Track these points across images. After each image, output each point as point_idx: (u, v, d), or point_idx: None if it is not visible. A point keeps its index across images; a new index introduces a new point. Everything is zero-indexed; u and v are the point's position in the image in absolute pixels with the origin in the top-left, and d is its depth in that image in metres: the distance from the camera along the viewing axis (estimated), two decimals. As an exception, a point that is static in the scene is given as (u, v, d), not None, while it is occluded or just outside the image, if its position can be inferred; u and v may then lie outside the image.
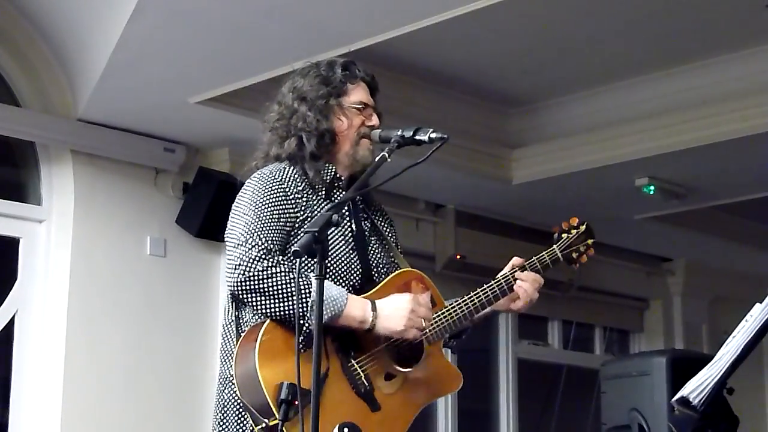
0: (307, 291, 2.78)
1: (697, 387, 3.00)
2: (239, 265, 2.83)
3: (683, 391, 3.03)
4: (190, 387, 6.03)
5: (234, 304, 3.00)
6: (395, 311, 2.89)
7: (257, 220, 2.90)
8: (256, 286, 2.81)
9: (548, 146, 6.75)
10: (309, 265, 2.86)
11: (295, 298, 2.78)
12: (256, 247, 2.84)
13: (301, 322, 2.74)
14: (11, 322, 5.59)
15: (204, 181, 6.06)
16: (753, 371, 8.87)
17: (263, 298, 2.81)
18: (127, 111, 5.70)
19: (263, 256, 2.83)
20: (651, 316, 8.87)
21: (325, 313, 2.78)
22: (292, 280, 2.80)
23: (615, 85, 6.40)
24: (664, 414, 4.86)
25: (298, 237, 2.88)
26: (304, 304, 2.77)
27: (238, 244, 2.86)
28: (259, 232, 2.88)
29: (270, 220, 2.91)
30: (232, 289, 2.85)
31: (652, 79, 6.29)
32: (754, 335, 3.01)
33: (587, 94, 6.52)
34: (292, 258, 2.83)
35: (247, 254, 2.83)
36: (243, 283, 2.82)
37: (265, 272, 2.81)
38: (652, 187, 6.84)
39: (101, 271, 5.80)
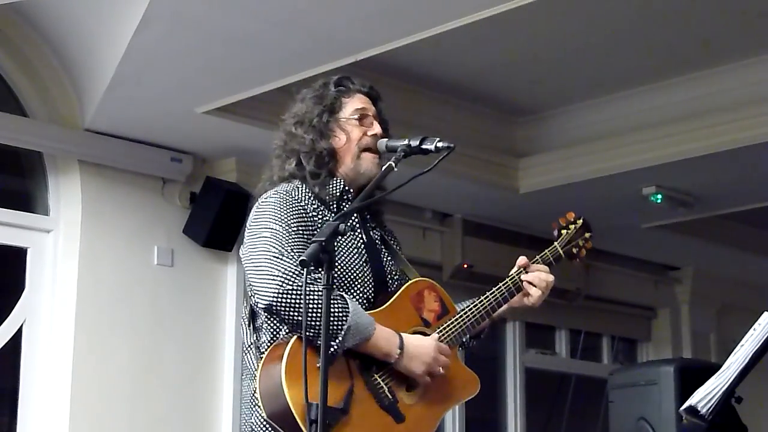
0: (344, 315, 2.80)
1: (705, 396, 2.99)
2: (278, 276, 2.81)
3: (691, 400, 3.02)
4: (198, 396, 6.03)
5: (251, 326, 3.01)
6: (419, 356, 2.92)
7: (287, 234, 2.91)
8: (296, 301, 2.79)
9: (555, 155, 6.75)
10: (316, 275, 2.83)
11: (340, 312, 2.80)
12: (294, 261, 2.83)
13: (332, 343, 2.75)
14: (19, 332, 5.58)
15: (211, 190, 6.07)
16: (762, 380, 8.83)
17: (300, 313, 2.78)
18: (135, 121, 5.71)
19: (302, 271, 2.78)
20: (659, 324, 8.85)
21: (351, 338, 2.81)
22: (331, 300, 2.78)
23: (622, 94, 6.40)
24: (672, 423, 4.84)
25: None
26: (340, 325, 2.79)
27: (274, 256, 2.84)
28: (292, 246, 2.88)
29: (296, 236, 2.92)
30: (270, 302, 2.81)
31: (659, 88, 6.29)
32: (763, 344, 3.00)
33: (594, 103, 6.52)
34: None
35: (286, 267, 2.81)
36: (283, 296, 2.80)
37: (306, 287, 2.77)
38: (659, 196, 6.83)
39: (108, 280, 5.81)
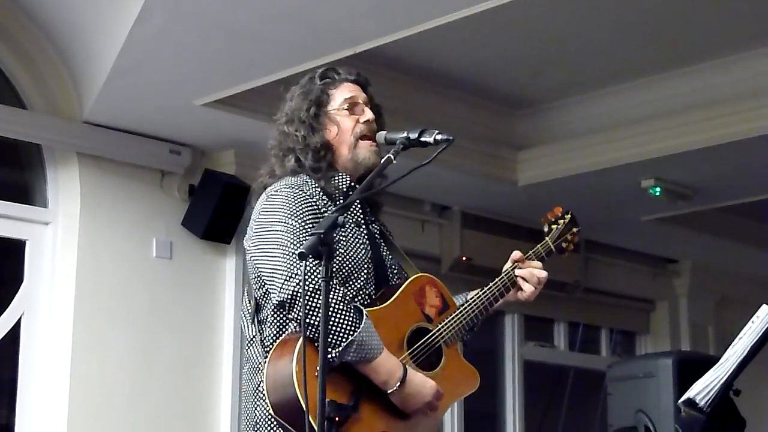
0: (352, 328, 2.79)
1: (703, 389, 3.00)
2: (296, 274, 2.80)
3: (690, 393, 3.03)
4: (197, 389, 6.03)
5: (255, 319, 3.00)
6: (416, 396, 2.90)
7: (302, 229, 2.89)
8: (313, 302, 2.77)
9: (554, 148, 6.74)
10: (316, 268, 2.80)
11: (350, 325, 2.79)
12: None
13: (331, 350, 2.75)
14: (17, 325, 5.59)
15: (210, 183, 6.06)
16: (760, 372, 8.84)
17: (315, 315, 2.78)
18: (133, 113, 5.71)
19: (318, 270, 2.77)
20: (657, 317, 8.86)
21: (353, 353, 2.80)
22: (346, 311, 2.80)
23: (621, 87, 6.40)
24: (670, 416, 4.84)
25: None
26: (344, 336, 2.79)
27: (294, 253, 2.81)
28: None
29: (310, 231, 2.87)
30: (284, 297, 2.81)
31: (658, 81, 6.29)
32: (761, 336, 3.00)
33: (593, 95, 6.52)
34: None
35: (301, 265, 2.78)
36: (299, 295, 2.78)
37: (305, 285, 2.77)
38: (658, 189, 6.82)
39: (107, 273, 5.81)
